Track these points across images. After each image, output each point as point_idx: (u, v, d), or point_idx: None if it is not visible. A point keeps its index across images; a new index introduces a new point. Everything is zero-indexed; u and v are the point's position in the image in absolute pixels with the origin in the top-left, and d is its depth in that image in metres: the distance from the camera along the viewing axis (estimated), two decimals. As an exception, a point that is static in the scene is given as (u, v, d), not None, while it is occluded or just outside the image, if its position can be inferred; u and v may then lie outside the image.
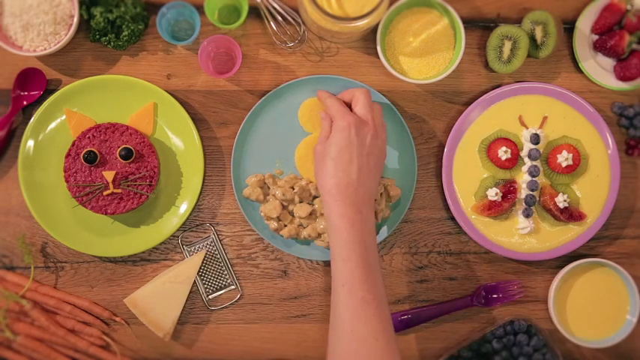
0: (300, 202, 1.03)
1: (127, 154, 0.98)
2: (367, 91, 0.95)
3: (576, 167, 1.03)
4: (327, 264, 1.06)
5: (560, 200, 1.03)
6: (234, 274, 1.05)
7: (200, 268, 1.05)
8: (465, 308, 1.06)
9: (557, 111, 1.05)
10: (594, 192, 1.05)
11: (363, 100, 0.94)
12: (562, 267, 1.05)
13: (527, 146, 1.04)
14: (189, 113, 1.03)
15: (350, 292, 0.86)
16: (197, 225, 1.05)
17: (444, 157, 1.04)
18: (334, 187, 0.89)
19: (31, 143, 1.02)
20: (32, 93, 1.04)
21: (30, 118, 1.02)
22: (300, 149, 1.04)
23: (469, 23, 1.06)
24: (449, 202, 1.04)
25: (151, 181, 1.00)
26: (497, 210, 1.03)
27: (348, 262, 0.87)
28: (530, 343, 1.04)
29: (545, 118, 1.05)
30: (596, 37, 1.05)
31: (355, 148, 0.90)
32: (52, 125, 1.03)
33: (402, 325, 1.05)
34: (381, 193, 1.02)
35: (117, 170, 0.99)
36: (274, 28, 1.04)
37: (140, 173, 1.00)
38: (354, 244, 0.87)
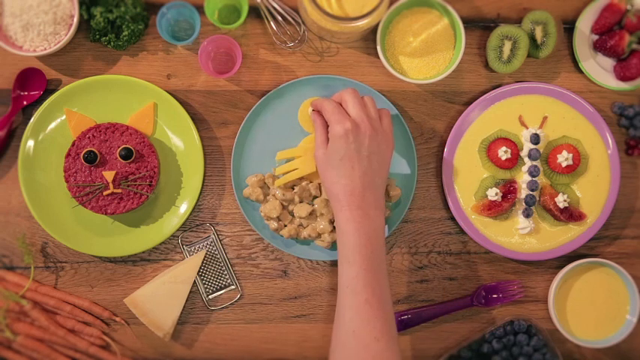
0: (300, 202, 1.03)
1: (127, 154, 0.98)
2: (353, 90, 0.94)
3: (576, 167, 1.03)
4: (328, 264, 1.06)
5: (560, 200, 1.03)
6: (234, 274, 1.05)
7: (200, 268, 1.05)
8: (465, 308, 1.06)
9: (557, 111, 1.05)
10: (594, 192, 1.05)
11: (352, 100, 0.93)
12: (562, 267, 1.05)
13: (527, 146, 1.04)
14: (189, 113, 1.03)
15: (353, 293, 0.87)
16: (197, 225, 1.05)
17: (444, 157, 1.04)
18: (340, 193, 0.91)
19: (31, 143, 1.02)
20: (32, 93, 1.04)
21: (30, 118, 1.02)
22: (300, 149, 1.04)
23: (469, 23, 1.06)
24: (449, 202, 1.04)
25: (151, 181, 1.00)
26: (497, 210, 1.03)
27: (353, 265, 0.88)
28: (530, 343, 1.04)
29: (545, 118, 1.05)
30: (596, 37, 1.05)
31: (355, 154, 0.90)
32: (52, 125, 1.03)
33: (402, 325, 1.05)
34: (381, 193, 1.02)
35: (117, 170, 0.99)
36: (274, 28, 1.04)
37: (140, 173, 1.00)
38: (360, 248, 0.88)
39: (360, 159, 0.91)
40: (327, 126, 0.95)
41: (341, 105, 0.94)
